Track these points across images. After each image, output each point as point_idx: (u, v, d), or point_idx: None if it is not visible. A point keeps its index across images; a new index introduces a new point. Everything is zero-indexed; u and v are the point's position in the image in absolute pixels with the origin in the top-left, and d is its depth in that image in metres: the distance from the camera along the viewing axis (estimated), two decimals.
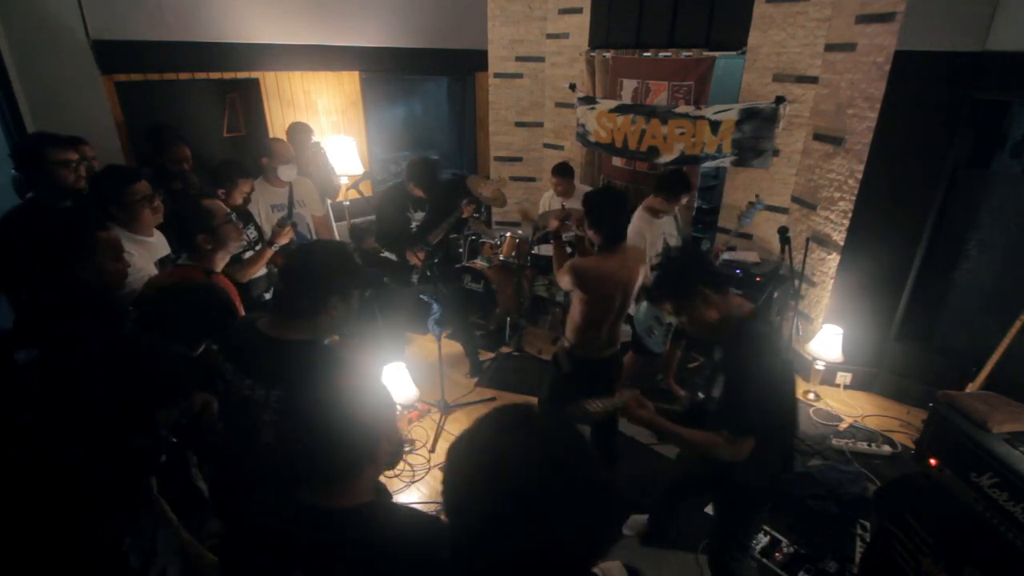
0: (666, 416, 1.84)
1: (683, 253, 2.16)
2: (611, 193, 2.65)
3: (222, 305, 1.77)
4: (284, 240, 2.85)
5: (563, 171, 4.35)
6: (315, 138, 4.22)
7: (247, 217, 3.13)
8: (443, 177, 5.69)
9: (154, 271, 2.20)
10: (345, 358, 1.59)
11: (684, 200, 3.35)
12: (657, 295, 1.91)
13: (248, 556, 1.11)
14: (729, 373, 1.79)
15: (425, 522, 1.14)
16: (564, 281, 2.57)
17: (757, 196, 3.47)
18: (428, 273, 3.75)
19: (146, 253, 2.26)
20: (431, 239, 3.68)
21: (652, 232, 3.24)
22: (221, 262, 2.17)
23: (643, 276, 2.65)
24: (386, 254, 3.69)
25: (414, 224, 3.71)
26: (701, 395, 2.03)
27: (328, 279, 1.55)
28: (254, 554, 1.10)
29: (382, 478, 2.99)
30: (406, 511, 1.18)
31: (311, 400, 1.10)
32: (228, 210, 2.18)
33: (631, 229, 3.31)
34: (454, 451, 0.86)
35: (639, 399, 1.82)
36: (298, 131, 4.06)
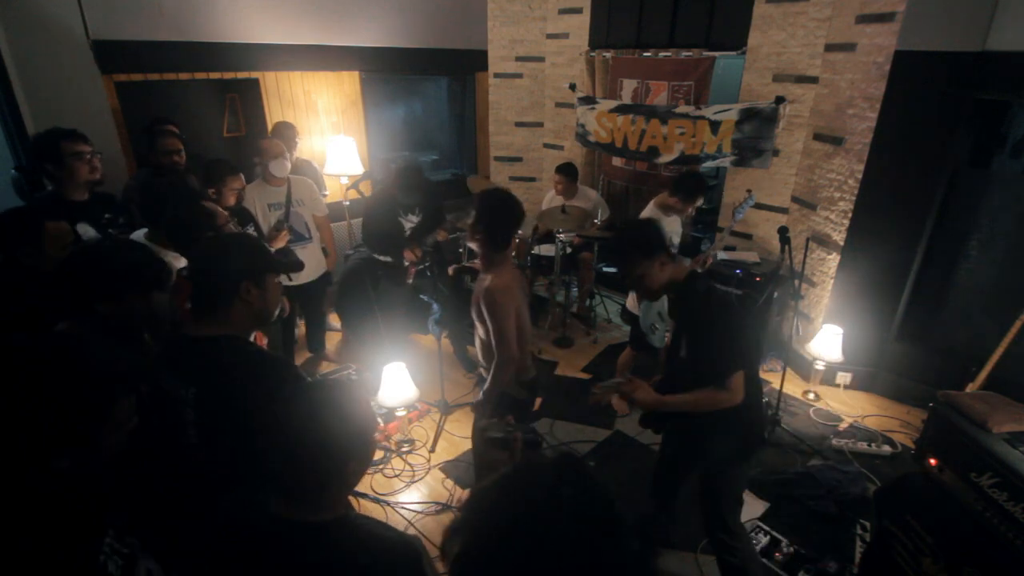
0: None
1: (646, 223, 2.17)
2: (503, 196, 2.29)
3: (148, 258, 1.76)
4: (280, 244, 2.76)
5: (567, 170, 4.35)
6: (319, 138, 4.18)
7: (246, 216, 3.10)
8: (440, 178, 5.70)
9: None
10: (265, 356, 1.56)
11: (699, 203, 3.37)
12: (619, 250, 2.05)
13: (218, 551, 1.11)
14: (688, 326, 1.96)
15: (389, 543, 1.10)
16: (508, 319, 2.13)
17: (749, 192, 3.48)
18: (428, 274, 3.75)
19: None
20: (427, 240, 3.69)
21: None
22: None
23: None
24: (380, 257, 3.69)
25: (408, 228, 3.72)
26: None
27: (227, 260, 1.52)
28: (224, 550, 1.09)
29: (382, 479, 3.00)
30: (372, 530, 1.13)
31: (276, 412, 1.07)
32: (228, 215, 2.17)
33: None
34: (476, 523, 0.76)
35: (632, 380, 1.97)
36: (281, 129, 3.94)
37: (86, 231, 2.56)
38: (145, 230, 2.42)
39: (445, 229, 3.83)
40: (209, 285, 1.51)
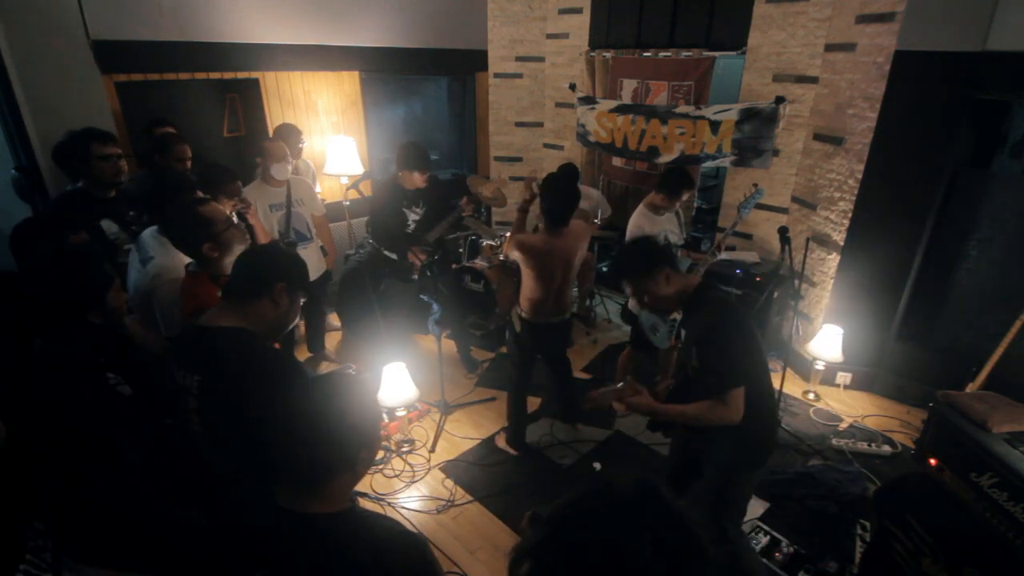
0: (656, 398, 2.00)
1: (640, 242, 2.19)
2: (560, 177, 2.94)
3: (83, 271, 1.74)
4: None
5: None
6: (319, 138, 4.16)
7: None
8: (442, 178, 5.69)
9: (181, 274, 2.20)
10: (274, 353, 1.58)
11: (685, 197, 3.36)
12: (618, 275, 2.11)
13: (221, 549, 1.11)
14: (696, 337, 1.93)
15: (399, 537, 1.11)
16: (512, 254, 2.81)
17: (756, 185, 3.46)
18: (428, 273, 3.74)
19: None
20: (429, 237, 3.67)
21: (652, 229, 3.24)
22: (230, 266, 2.14)
23: (583, 253, 2.91)
24: (387, 253, 3.68)
25: (411, 221, 3.69)
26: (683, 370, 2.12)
27: (276, 261, 1.60)
28: (226, 548, 1.10)
29: (382, 479, 3.00)
30: (378, 522, 1.14)
31: (291, 402, 1.08)
32: (227, 214, 2.16)
33: (632, 224, 3.32)
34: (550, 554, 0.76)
35: (633, 385, 1.95)
36: (284, 133, 3.87)
37: (109, 227, 2.61)
38: (154, 228, 2.40)
39: (471, 202, 3.77)
40: (247, 275, 1.57)
